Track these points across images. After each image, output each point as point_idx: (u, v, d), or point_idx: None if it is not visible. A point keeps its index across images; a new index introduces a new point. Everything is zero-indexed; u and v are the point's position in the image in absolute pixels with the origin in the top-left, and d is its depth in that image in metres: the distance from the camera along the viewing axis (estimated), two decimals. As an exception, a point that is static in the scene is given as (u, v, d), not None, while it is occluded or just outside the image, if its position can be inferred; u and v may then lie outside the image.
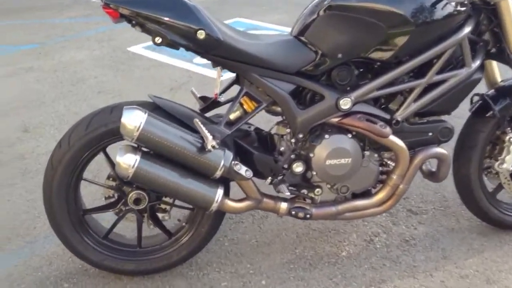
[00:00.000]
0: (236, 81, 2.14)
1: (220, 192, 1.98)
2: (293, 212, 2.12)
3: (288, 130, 2.07)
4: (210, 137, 1.87)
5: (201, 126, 1.88)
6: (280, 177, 2.08)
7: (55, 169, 2.01)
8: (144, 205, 2.10)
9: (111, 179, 2.12)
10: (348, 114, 2.01)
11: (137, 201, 2.09)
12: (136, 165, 1.88)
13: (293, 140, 2.06)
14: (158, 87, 4.40)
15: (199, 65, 4.86)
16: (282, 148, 2.09)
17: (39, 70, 4.84)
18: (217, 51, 1.92)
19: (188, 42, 1.88)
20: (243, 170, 1.97)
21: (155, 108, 2.04)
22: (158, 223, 2.20)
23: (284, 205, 2.12)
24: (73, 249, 2.14)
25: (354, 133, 2.04)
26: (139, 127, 1.86)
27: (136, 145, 1.94)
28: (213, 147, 1.88)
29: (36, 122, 3.80)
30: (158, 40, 1.90)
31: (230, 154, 1.95)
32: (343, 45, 1.96)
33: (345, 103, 1.99)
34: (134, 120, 1.86)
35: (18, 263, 2.36)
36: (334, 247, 2.41)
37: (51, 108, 4.04)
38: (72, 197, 2.09)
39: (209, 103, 2.32)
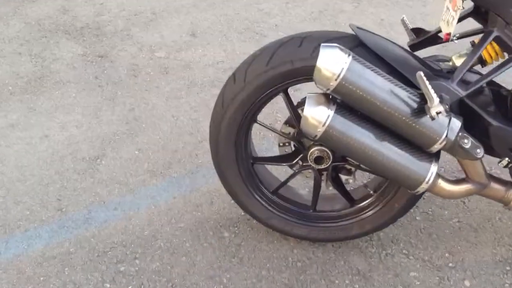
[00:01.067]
0: (478, 19, 1.50)
1: (433, 170, 1.46)
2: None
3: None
4: (436, 100, 1.32)
5: (426, 83, 1.32)
6: None
7: (226, 107, 1.65)
8: (326, 164, 1.68)
9: (288, 125, 1.71)
10: None
11: (318, 159, 1.66)
12: (327, 123, 1.43)
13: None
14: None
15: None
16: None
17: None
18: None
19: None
20: (472, 146, 1.41)
21: (357, 44, 1.52)
22: (339, 185, 1.78)
23: (517, 194, 1.54)
24: (237, 200, 1.83)
25: None
26: (339, 75, 1.37)
27: (329, 96, 1.47)
28: (438, 113, 1.33)
29: (204, 26, 3.49)
30: None
31: (457, 123, 1.39)
32: None
33: None
34: (333, 64, 1.37)
35: (178, 196, 2.15)
36: None
37: (220, 10, 3.69)
38: (242, 142, 1.73)
39: (422, 39, 1.72)
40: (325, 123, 1.42)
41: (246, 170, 1.78)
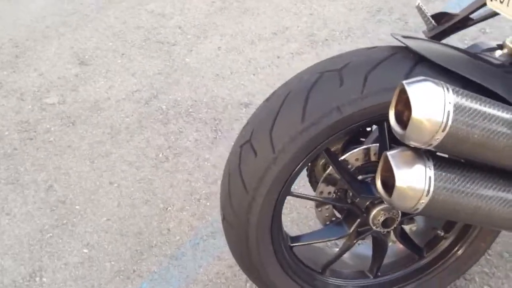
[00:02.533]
0: None
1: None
2: None
3: None
4: None
5: None
6: None
7: (254, 190, 1.14)
8: (395, 224, 1.26)
9: (328, 184, 1.25)
10: None
11: (387, 221, 1.24)
12: (431, 190, 0.99)
13: None
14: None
15: None
16: None
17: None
18: None
19: None
20: None
21: (416, 61, 1.10)
22: (406, 239, 1.37)
23: None
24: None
25: None
26: (447, 122, 0.93)
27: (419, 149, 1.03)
28: None
29: (90, 47, 2.80)
30: None
31: None
32: None
33: None
34: (435, 109, 0.93)
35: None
36: None
37: (99, 22, 3.00)
38: (276, 225, 1.24)
39: (448, 26, 1.35)
40: (428, 190, 0.99)
41: (285, 259, 1.29)
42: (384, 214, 1.22)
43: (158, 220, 1.84)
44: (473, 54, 1.20)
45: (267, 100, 1.18)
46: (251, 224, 1.18)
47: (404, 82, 0.95)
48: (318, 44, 2.64)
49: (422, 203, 1.00)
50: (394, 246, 1.41)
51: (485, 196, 1.03)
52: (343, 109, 1.08)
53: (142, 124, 2.27)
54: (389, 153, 1.02)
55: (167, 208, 1.88)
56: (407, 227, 1.34)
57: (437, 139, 0.94)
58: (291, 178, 1.15)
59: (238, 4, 3.05)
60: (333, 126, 1.09)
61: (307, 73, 1.15)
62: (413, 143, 0.98)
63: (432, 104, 0.92)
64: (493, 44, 1.31)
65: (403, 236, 1.35)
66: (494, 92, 1.08)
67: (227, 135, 2.17)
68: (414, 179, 0.99)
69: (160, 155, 2.11)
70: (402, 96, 0.98)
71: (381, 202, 1.22)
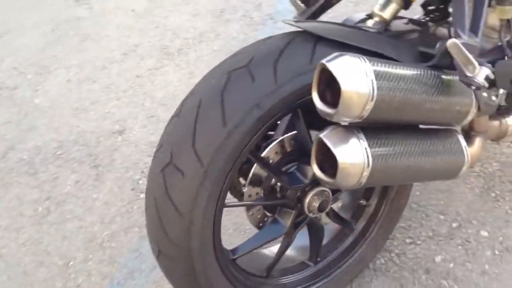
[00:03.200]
0: None
1: (464, 143, 1.21)
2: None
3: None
4: (476, 63, 1.03)
5: (463, 49, 1.01)
6: None
7: (190, 213, 1.04)
8: (329, 205, 1.26)
9: (254, 186, 1.21)
10: None
11: (322, 204, 1.23)
12: (371, 162, 1.00)
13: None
14: (53, 4, 3.05)
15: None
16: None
17: None
18: None
19: None
20: (493, 96, 1.20)
21: (315, 42, 1.11)
22: (337, 217, 1.38)
23: (510, 120, 1.42)
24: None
25: None
26: (373, 90, 0.95)
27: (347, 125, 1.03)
28: (487, 79, 1.05)
29: None
30: None
31: (487, 71, 1.11)
32: None
33: None
34: (360, 81, 0.94)
35: None
36: None
37: None
38: (218, 243, 1.15)
39: (318, 6, 1.41)
40: (368, 162, 1.00)
41: (232, 274, 1.21)
42: (318, 198, 1.21)
43: (62, 280, 1.61)
44: (356, 27, 1.26)
45: (177, 115, 1.09)
46: (193, 250, 1.08)
47: (323, 61, 0.95)
48: (175, 55, 2.56)
49: (365, 175, 1.01)
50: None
51: (413, 152, 1.08)
52: (262, 104, 1.04)
53: (5, 181, 1.98)
54: (323, 135, 1.01)
55: (68, 264, 1.66)
56: (335, 206, 1.36)
57: (367, 109, 0.95)
58: (225, 188, 1.08)
59: (75, 31, 2.83)
60: (256, 123, 1.04)
61: (213, 77, 1.08)
62: (345, 119, 0.98)
63: (357, 77, 0.93)
64: (363, 15, 1.39)
65: (334, 215, 1.36)
66: (389, 57, 1.14)
67: (110, 168, 2.00)
68: (353, 155, 0.99)
69: (40, 209, 1.86)
70: (322, 76, 0.97)
71: (312, 188, 1.21)
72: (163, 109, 2.23)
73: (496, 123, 1.40)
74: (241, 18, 2.76)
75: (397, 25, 1.38)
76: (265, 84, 1.04)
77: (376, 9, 1.33)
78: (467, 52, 1.01)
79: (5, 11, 3.03)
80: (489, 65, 1.05)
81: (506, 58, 1.28)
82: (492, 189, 1.78)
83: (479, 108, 1.16)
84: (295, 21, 1.14)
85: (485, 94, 1.15)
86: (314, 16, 1.44)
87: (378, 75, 0.96)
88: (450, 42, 1.01)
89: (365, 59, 0.97)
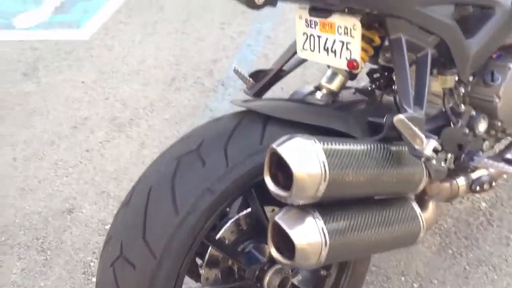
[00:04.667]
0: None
1: (418, 210, 1.21)
2: (475, 187, 1.45)
3: (456, 78, 1.33)
4: (423, 136, 1.05)
5: (409, 124, 1.03)
6: (467, 148, 1.36)
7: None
8: (290, 281, 1.22)
9: (210, 268, 1.16)
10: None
11: (283, 281, 1.19)
12: (328, 240, 0.98)
13: (462, 90, 1.35)
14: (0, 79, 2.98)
15: (32, 28, 3.47)
16: (455, 108, 1.35)
17: None
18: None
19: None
20: (442, 161, 1.22)
21: (265, 121, 1.11)
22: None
23: (461, 181, 1.44)
24: None
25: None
26: (325, 170, 0.94)
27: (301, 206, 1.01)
28: (436, 151, 1.07)
29: None
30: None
31: (434, 143, 1.13)
32: None
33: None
34: (311, 162, 0.93)
35: None
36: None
37: None
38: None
39: (266, 81, 1.43)
40: (326, 241, 0.98)
41: None
42: (278, 276, 1.17)
43: None
44: (304, 101, 1.27)
45: (126, 203, 1.05)
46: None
47: (273, 145, 0.94)
48: (125, 126, 2.52)
49: (324, 254, 0.98)
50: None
51: (370, 224, 1.07)
52: (215, 188, 1.01)
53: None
54: (278, 218, 0.98)
55: None
56: (295, 280, 1.32)
57: (321, 190, 0.94)
58: (179, 278, 1.02)
59: (21, 107, 2.75)
60: (209, 208, 1.01)
61: (162, 163, 1.06)
62: (300, 201, 0.96)
63: (308, 159, 0.93)
64: (311, 87, 1.41)
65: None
66: (338, 130, 1.15)
67: (59, 251, 1.89)
68: (310, 235, 0.97)
69: (-17, 304, 1.73)
70: (274, 158, 0.96)
71: (271, 266, 1.17)
72: (114, 184, 2.16)
73: (447, 185, 1.42)
74: (192, 85, 2.77)
75: (345, 95, 1.41)
76: (216, 168, 1.02)
77: (323, 82, 1.35)
78: (413, 127, 1.03)
79: None
80: (435, 136, 1.07)
81: (451, 124, 1.32)
82: (449, 246, 1.79)
83: (430, 176, 1.18)
84: (243, 101, 1.14)
85: (434, 162, 1.17)
86: (263, 90, 1.47)
87: (330, 155, 0.96)
88: (396, 119, 1.03)
89: (315, 140, 0.97)
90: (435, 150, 1.06)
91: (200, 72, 2.83)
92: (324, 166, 0.94)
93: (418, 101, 1.15)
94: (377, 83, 1.47)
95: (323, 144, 0.97)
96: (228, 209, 1.24)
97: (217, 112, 2.48)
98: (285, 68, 1.45)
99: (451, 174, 1.42)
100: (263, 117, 1.11)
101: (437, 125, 1.31)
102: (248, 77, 1.45)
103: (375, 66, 1.46)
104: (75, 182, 2.22)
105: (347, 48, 1.18)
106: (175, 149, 1.07)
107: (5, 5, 4.00)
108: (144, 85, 2.81)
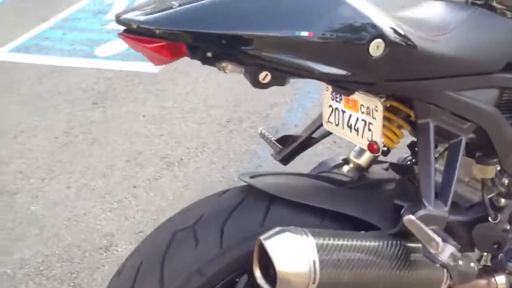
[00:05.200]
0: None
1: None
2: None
3: (497, 168, 1.19)
4: (439, 240, 0.94)
5: (421, 225, 0.93)
6: (507, 247, 1.22)
7: None
8: None
9: None
10: None
11: None
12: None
13: (506, 181, 1.20)
14: (73, 105, 3.14)
15: (110, 58, 3.64)
16: (495, 200, 1.21)
17: None
18: (405, 70, 0.95)
19: (345, 70, 0.90)
20: (471, 262, 1.09)
21: (270, 201, 1.04)
22: None
23: (501, 280, 1.28)
24: None
25: None
26: (315, 271, 0.86)
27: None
28: (452, 256, 0.95)
29: None
30: (266, 77, 0.90)
31: (451, 249, 1.03)
32: None
33: None
34: (297, 263, 0.86)
35: None
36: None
37: None
38: None
39: (294, 147, 1.37)
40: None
41: None
42: None
43: None
44: (321, 177, 1.19)
45: (118, 274, 1.02)
46: None
47: (261, 238, 0.88)
48: (174, 165, 2.55)
49: None
50: None
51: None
52: (205, 270, 0.97)
53: (-16, 297, 1.93)
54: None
55: None
56: None
57: (310, 292, 0.86)
58: None
59: (84, 136, 2.89)
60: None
61: (158, 236, 1.03)
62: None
63: (296, 257, 0.86)
64: (339, 159, 1.33)
65: None
66: (352, 216, 1.06)
67: (88, 289, 1.92)
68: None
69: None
70: (263, 251, 0.90)
71: None
72: (152, 224, 2.18)
73: (483, 282, 1.27)
74: (245, 129, 2.76)
75: (376, 171, 1.31)
76: (209, 248, 0.97)
77: (351, 155, 1.27)
78: (427, 229, 0.92)
79: (31, 111, 3.13)
80: (454, 242, 0.95)
81: (489, 217, 1.18)
82: None
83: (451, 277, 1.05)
84: (250, 176, 1.08)
85: (461, 263, 1.04)
86: (292, 156, 1.40)
87: (324, 252, 0.88)
88: (406, 218, 0.92)
89: (309, 234, 0.89)
90: (452, 257, 0.94)
91: (256, 116, 2.81)
92: (315, 265, 0.86)
93: (443, 196, 1.04)
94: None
95: (318, 238, 0.89)
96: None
97: (264, 161, 2.45)
98: (315, 135, 1.38)
99: (489, 270, 1.27)
100: (269, 196, 1.05)
101: (473, 217, 1.18)
102: (275, 142, 1.39)
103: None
104: (117, 219, 2.27)
105: (369, 128, 1.09)
106: (173, 223, 1.03)
107: (92, 34, 4.26)
108: (200, 124, 2.84)
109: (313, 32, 0.83)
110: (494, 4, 1.08)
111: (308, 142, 1.38)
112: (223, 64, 0.85)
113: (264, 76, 0.90)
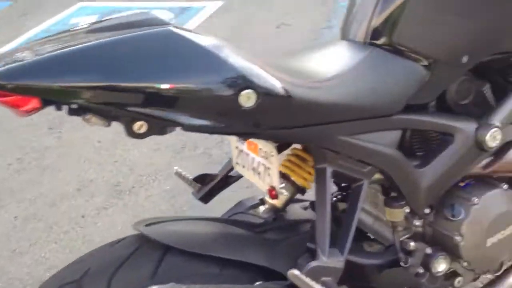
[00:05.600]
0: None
1: None
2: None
3: (407, 210, 1.16)
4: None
5: (307, 280, 0.90)
6: None
7: None
8: None
9: None
10: (496, 153, 1.18)
11: None
12: None
13: (417, 223, 1.18)
14: (28, 130, 3.10)
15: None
16: (405, 244, 1.19)
17: None
18: (283, 119, 0.93)
19: (219, 121, 0.87)
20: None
21: (163, 252, 1.01)
22: None
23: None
24: None
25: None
26: None
27: None
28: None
29: None
30: (141, 127, 0.87)
31: None
32: (470, 38, 1.09)
33: (493, 137, 1.14)
34: None
35: None
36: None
37: None
38: None
39: (212, 186, 1.35)
40: None
41: None
42: None
43: None
44: (231, 221, 1.17)
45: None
46: None
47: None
48: (125, 194, 2.51)
49: None
50: None
51: None
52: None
53: None
54: None
55: None
56: None
57: None
58: None
59: (37, 162, 2.84)
60: None
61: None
62: None
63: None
64: (257, 199, 1.30)
65: None
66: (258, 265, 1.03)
67: (25, 327, 1.87)
68: None
69: None
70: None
71: None
72: (96, 258, 2.13)
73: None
74: (199, 156, 2.73)
75: (294, 210, 1.29)
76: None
77: (267, 196, 1.25)
78: (314, 284, 0.90)
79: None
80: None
81: (400, 261, 1.15)
82: None
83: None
84: (147, 225, 1.05)
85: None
86: (212, 194, 1.38)
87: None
88: (290, 273, 0.90)
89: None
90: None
91: (210, 142, 2.78)
92: None
93: (340, 244, 1.01)
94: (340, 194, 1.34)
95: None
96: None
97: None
98: (233, 174, 1.36)
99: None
100: (164, 245, 1.02)
101: (385, 261, 1.16)
102: (192, 181, 1.37)
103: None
104: (62, 251, 2.22)
105: (268, 173, 1.07)
106: (60, 276, 1.00)
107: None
108: (154, 151, 2.81)
109: (174, 84, 0.81)
110: (393, 44, 1.07)
111: (226, 181, 1.36)
112: (87, 117, 0.83)
113: (140, 126, 0.87)
